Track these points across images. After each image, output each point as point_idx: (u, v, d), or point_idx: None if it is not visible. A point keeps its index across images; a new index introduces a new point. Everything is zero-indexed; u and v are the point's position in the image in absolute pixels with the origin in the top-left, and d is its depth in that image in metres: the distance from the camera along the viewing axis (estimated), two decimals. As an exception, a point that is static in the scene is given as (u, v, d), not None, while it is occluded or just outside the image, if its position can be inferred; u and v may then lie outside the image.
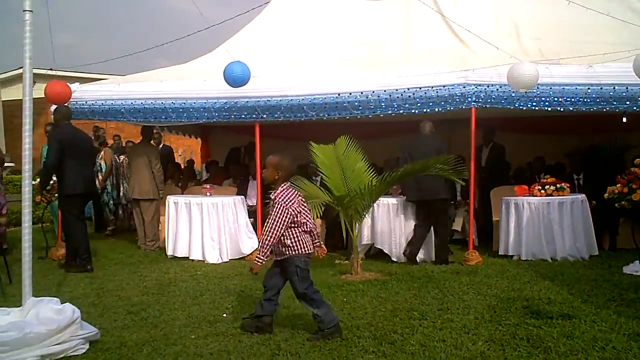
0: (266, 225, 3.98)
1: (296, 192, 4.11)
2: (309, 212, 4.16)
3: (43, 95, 7.01)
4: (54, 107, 7.26)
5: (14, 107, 17.08)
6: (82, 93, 7.73)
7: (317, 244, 4.25)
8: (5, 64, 18.37)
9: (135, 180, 8.37)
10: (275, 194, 3.97)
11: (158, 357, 3.66)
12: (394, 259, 7.02)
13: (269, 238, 3.92)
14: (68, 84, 7.52)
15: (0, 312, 3.85)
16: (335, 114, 7.13)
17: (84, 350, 3.76)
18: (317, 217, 6.18)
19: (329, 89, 7.13)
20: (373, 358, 3.59)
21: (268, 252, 3.97)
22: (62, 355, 3.65)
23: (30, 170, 4.01)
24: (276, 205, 3.92)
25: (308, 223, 4.07)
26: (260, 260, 3.98)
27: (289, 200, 3.94)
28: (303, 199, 4.14)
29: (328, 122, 7.37)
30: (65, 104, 7.20)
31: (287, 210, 3.91)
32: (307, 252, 4.06)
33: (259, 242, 4.81)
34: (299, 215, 3.98)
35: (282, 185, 4.01)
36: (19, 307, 3.96)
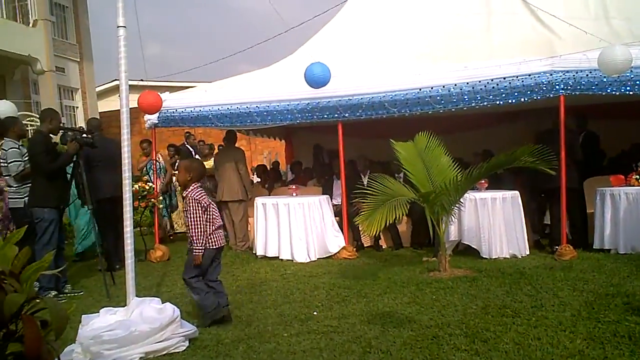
0: (189, 223, 4.46)
1: (204, 191, 4.60)
2: (216, 209, 4.63)
3: (136, 105, 7.41)
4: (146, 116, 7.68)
5: (110, 118, 18.12)
6: (171, 102, 8.08)
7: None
8: (99, 78, 19.47)
9: (223, 183, 8.64)
10: (187, 192, 4.53)
11: (253, 354, 3.77)
12: (483, 255, 6.87)
13: (195, 231, 4.41)
14: (159, 93, 7.88)
15: (107, 311, 4.09)
16: (417, 110, 7.06)
17: (184, 348, 3.94)
18: (403, 215, 6.14)
19: (409, 84, 7.07)
20: (466, 356, 3.55)
21: (200, 243, 4.42)
22: (164, 352, 3.84)
23: (130, 177, 4.25)
24: (189, 202, 4.47)
25: (217, 219, 4.57)
26: (198, 252, 4.42)
27: (198, 196, 4.47)
28: (211, 200, 4.63)
29: (410, 118, 7.31)
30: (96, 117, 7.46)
31: (198, 204, 4.44)
32: (214, 246, 4.50)
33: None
34: (209, 207, 4.49)
35: (193, 185, 4.55)
36: (123, 306, 4.21)
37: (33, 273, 2.16)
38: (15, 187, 6.12)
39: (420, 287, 5.46)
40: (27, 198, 6.05)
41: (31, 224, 5.57)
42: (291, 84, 7.51)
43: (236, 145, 9.15)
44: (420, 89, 6.99)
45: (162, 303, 4.13)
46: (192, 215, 4.42)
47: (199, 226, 4.42)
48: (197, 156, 10.91)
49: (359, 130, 9.25)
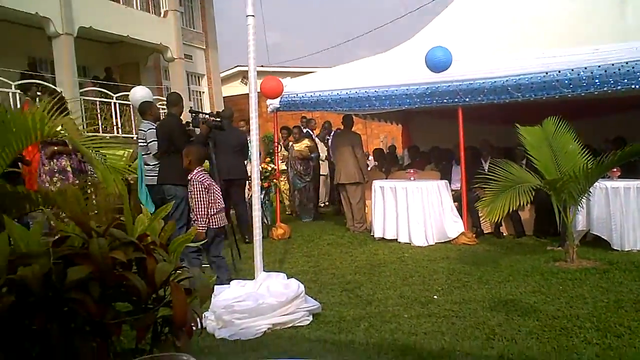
0: (192, 203, 4.99)
1: (207, 175, 5.13)
2: (219, 192, 5.13)
3: (258, 90, 7.69)
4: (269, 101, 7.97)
5: (232, 102, 18.94)
6: (292, 87, 8.29)
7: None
8: (222, 64, 20.38)
9: (341, 166, 8.76)
10: (191, 175, 5.01)
11: (375, 332, 3.83)
12: (614, 247, 6.45)
13: (198, 210, 4.92)
14: (280, 79, 8.12)
15: (236, 283, 4.33)
16: (543, 94, 6.71)
17: (308, 322, 4.08)
18: (527, 202, 5.92)
19: (535, 68, 6.73)
20: (598, 350, 3.38)
21: (203, 222, 4.92)
22: (289, 325, 4.00)
23: (258, 157, 4.45)
24: (192, 184, 4.96)
25: (220, 201, 5.08)
26: (200, 229, 4.85)
27: (202, 178, 4.96)
28: (214, 183, 5.14)
29: (532, 102, 6.97)
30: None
31: (201, 185, 4.92)
32: (216, 225, 5.02)
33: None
34: (210, 188, 4.96)
35: (197, 168, 5.04)
36: (250, 279, 4.42)
37: (179, 245, 2.33)
38: (152, 165, 6.57)
39: (545, 277, 5.25)
40: None
41: (164, 201, 6.01)
42: (410, 69, 7.43)
43: (352, 129, 9.25)
44: (547, 73, 6.63)
45: (288, 278, 4.30)
46: (195, 197, 4.92)
47: (201, 206, 4.92)
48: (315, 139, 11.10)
49: (478, 115, 8.99)
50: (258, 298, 3.98)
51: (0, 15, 12.68)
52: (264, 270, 4.41)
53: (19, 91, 10.84)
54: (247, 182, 8.11)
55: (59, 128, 3.06)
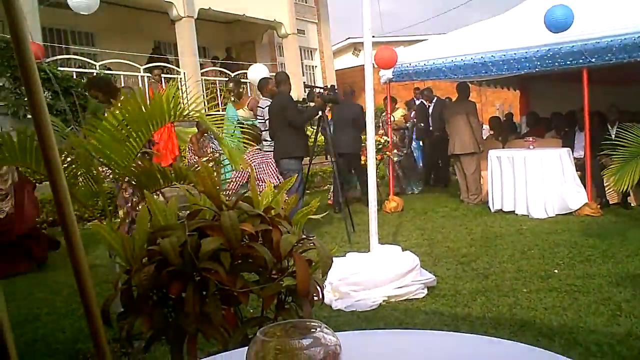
0: None
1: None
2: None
3: (373, 62, 7.69)
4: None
5: (344, 75, 19.05)
6: (405, 56, 8.21)
7: None
8: (333, 37, 20.46)
9: (455, 136, 8.59)
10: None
11: (492, 307, 3.80)
12: None
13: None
14: (394, 48, 8.06)
15: (352, 255, 4.45)
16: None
17: (423, 295, 4.10)
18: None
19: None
20: None
21: None
22: (404, 298, 4.06)
23: (373, 130, 4.50)
24: None
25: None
26: None
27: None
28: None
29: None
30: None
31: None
32: None
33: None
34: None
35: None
36: (365, 252, 4.53)
37: (302, 217, 2.46)
38: (270, 140, 6.85)
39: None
40: None
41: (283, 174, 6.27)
42: (529, 31, 7.10)
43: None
44: (686, 25, 6.08)
45: (403, 251, 4.36)
46: None
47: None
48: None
49: (603, 77, 8.41)
50: (373, 270, 4.07)
51: (128, 3, 13.59)
52: (378, 243, 4.49)
53: (147, 74, 11.60)
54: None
55: (190, 110, 3.29)
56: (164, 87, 9.35)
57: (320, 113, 6.54)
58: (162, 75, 10.92)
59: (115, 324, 2.16)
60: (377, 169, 8.97)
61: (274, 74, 13.77)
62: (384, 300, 4.00)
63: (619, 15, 6.65)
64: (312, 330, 0.97)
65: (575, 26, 6.36)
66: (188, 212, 2.41)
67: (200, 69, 13.84)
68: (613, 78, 8.25)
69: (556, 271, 4.56)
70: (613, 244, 5.33)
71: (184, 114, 3.21)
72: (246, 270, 2.37)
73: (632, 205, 7.38)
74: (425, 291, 4.15)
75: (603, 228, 6.13)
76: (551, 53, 6.98)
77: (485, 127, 12.06)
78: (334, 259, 4.30)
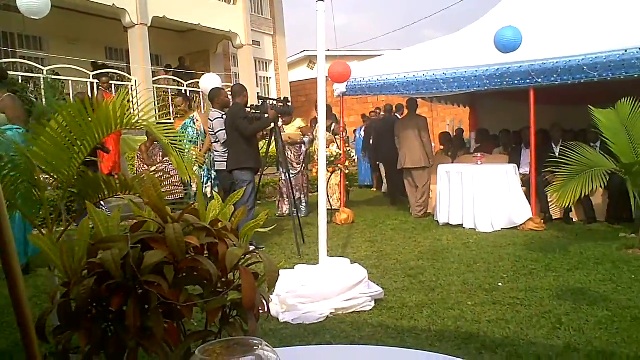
0: None
1: None
2: None
3: (326, 75, 7.74)
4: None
5: (298, 87, 19.11)
6: (359, 71, 8.31)
7: None
8: (288, 50, 20.56)
9: (406, 150, 8.71)
10: None
11: (438, 319, 3.85)
12: (695, 235, 6.16)
13: None
14: (348, 63, 8.15)
15: (300, 268, 4.44)
16: (622, 73, 6.43)
17: (370, 307, 4.13)
18: (600, 187, 5.73)
19: (613, 45, 6.46)
20: (671, 343, 3.28)
21: None
22: (352, 310, 4.08)
23: (324, 142, 4.52)
24: None
25: None
26: None
27: None
28: None
29: (611, 82, 6.68)
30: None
31: None
32: None
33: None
34: None
35: None
36: (314, 264, 4.53)
37: (249, 230, 2.45)
38: (221, 152, 6.80)
39: (616, 265, 5.10)
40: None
41: (233, 186, 6.23)
42: (479, 50, 7.30)
43: (417, 112, 9.19)
44: (626, 50, 6.36)
45: (351, 263, 4.38)
46: None
47: None
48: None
49: (549, 96, 8.71)
50: (321, 283, 4.07)
51: (79, 8, 13.30)
52: (327, 256, 4.50)
53: (96, 80, 11.36)
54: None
55: (137, 118, 3.23)
56: (113, 94, 9.18)
57: (273, 125, 6.53)
58: (112, 82, 10.71)
59: (52, 338, 2.09)
60: (329, 181, 9.07)
61: (229, 84, 13.71)
62: (331, 313, 4.01)
63: (565, 39, 6.91)
64: (253, 348, 0.96)
65: (523, 48, 6.57)
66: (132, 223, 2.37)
67: (153, 77, 13.65)
68: (558, 98, 8.55)
69: (500, 284, 4.66)
70: (555, 258, 5.50)
71: (132, 122, 3.15)
72: (190, 284, 2.34)
73: (573, 220, 7.64)
74: (373, 304, 4.18)
75: (546, 242, 6.32)
76: (500, 72, 7.19)
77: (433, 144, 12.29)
78: (282, 271, 4.31)
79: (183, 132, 6.90)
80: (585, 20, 7.15)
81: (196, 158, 6.51)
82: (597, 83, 6.71)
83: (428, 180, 8.63)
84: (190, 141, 7.17)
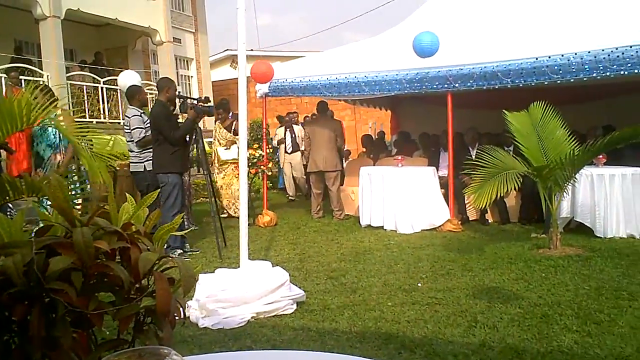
0: None
1: None
2: None
3: (248, 75, 7.62)
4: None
5: (221, 87, 18.84)
6: (282, 71, 8.27)
7: None
8: (211, 48, 20.26)
9: (318, 153, 8.68)
10: None
11: (358, 321, 3.87)
12: (597, 234, 6.53)
13: None
14: (271, 63, 8.09)
15: (221, 271, 4.34)
16: (532, 80, 6.74)
17: (292, 310, 4.10)
18: (513, 189, 5.98)
19: (525, 53, 6.76)
20: (577, 337, 3.44)
21: None
22: (273, 314, 4.03)
23: (246, 144, 4.45)
24: None
25: None
26: None
27: None
28: None
29: (524, 88, 6.99)
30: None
31: None
32: None
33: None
34: None
35: None
36: (235, 268, 4.45)
37: (165, 234, 2.35)
38: (136, 152, 6.57)
39: (528, 264, 5.32)
40: (147, 163, 6.49)
41: (149, 188, 6.02)
42: (400, 54, 7.43)
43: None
44: (537, 58, 6.66)
45: (273, 266, 4.32)
46: None
47: None
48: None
49: (468, 100, 9.02)
50: (242, 287, 4.00)
51: (-14, -2, 12.51)
52: (249, 259, 4.43)
53: (4, 75, 10.71)
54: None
55: (45, 115, 3.04)
56: (23, 90, 8.67)
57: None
58: (23, 77, 10.13)
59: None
60: (252, 183, 8.99)
61: (148, 82, 13.32)
62: (252, 317, 3.95)
63: (481, 46, 7.16)
64: (162, 357, 0.93)
65: (442, 53, 6.75)
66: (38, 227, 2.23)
67: (67, 73, 13.03)
68: (475, 103, 8.86)
69: (420, 284, 4.75)
70: (471, 258, 5.67)
71: (37, 120, 2.96)
72: (101, 291, 2.22)
73: (489, 221, 7.93)
74: (295, 307, 4.15)
75: (463, 243, 6.52)
76: (419, 77, 7.36)
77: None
78: (202, 275, 4.21)
79: (42, 134, 6.42)
80: (500, 29, 7.44)
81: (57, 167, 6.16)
82: (512, 89, 7.00)
83: (341, 183, 8.72)
84: (50, 146, 6.48)
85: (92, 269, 2.08)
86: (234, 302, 3.93)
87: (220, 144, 8.88)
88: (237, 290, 3.98)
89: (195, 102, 6.48)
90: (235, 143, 8.63)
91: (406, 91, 7.68)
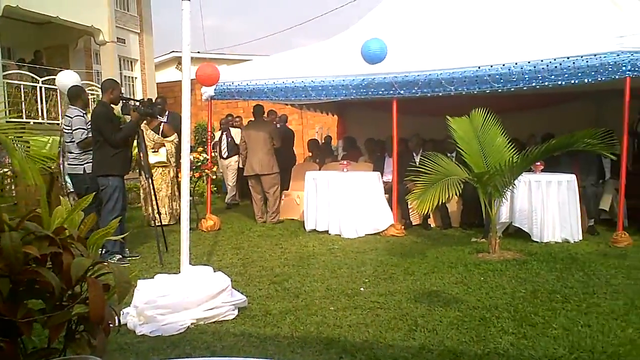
0: None
1: None
2: None
3: (193, 77, 7.50)
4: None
5: (166, 89, 18.50)
6: (228, 74, 8.20)
7: None
8: (157, 50, 19.92)
9: (255, 156, 8.64)
10: None
11: (300, 326, 3.87)
12: (534, 239, 6.76)
13: None
14: (217, 66, 7.99)
15: (161, 277, 4.25)
16: (475, 88, 6.92)
17: (233, 316, 4.06)
18: (455, 195, 6.12)
19: (468, 62, 6.93)
20: (513, 339, 3.54)
21: None
22: (214, 320, 3.97)
23: (188, 147, 4.38)
24: None
25: None
26: None
27: None
28: None
29: (467, 96, 7.15)
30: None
31: None
32: None
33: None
34: None
35: None
36: (176, 273, 4.36)
37: (100, 238, 2.28)
38: (76, 153, 6.37)
39: (468, 268, 5.45)
40: (86, 165, 6.31)
41: (88, 191, 5.84)
42: (347, 59, 7.49)
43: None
44: (479, 67, 6.84)
45: (215, 272, 4.27)
46: None
47: None
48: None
49: (413, 107, 9.16)
50: (182, 292, 3.93)
51: None
52: (190, 264, 4.36)
53: None
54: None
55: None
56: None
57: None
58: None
59: None
60: (196, 187, 8.86)
61: (90, 82, 12.95)
62: (192, 323, 3.88)
63: (427, 54, 7.30)
64: None
65: (388, 60, 6.84)
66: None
67: (3, 72, 12.52)
68: (420, 109, 9.01)
69: (362, 289, 4.79)
70: (414, 262, 5.76)
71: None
72: (30, 298, 2.15)
73: (431, 226, 8.08)
74: (236, 312, 4.10)
75: (406, 247, 6.61)
76: (365, 83, 7.42)
77: None
78: (140, 281, 4.11)
79: None
80: (445, 38, 7.61)
81: None
82: (456, 96, 7.16)
83: (278, 186, 8.72)
84: None
85: (20, 275, 2.01)
86: (173, 308, 3.85)
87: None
88: (176, 296, 3.91)
89: (136, 104, 6.33)
90: (164, 145, 8.34)
91: (352, 97, 7.74)
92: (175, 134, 8.17)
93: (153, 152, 8.16)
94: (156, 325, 3.76)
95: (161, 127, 8.39)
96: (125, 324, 3.77)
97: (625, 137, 6.46)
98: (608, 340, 3.48)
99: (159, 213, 6.52)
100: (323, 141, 12.90)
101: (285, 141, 9.78)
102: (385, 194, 7.82)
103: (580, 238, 6.81)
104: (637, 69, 6.27)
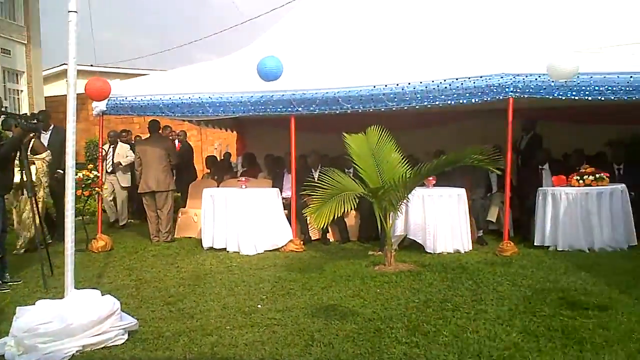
0: None
1: None
2: None
3: (83, 91, 7.15)
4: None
5: (56, 103, 17.57)
6: (121, 89, 7.91)
7: None
8: (47, 61, 18.95)
9: (150, 173, 8.42)
10: None
11: (194, 347, 3.75)
12: (428, 250, 6.99)
13: None
14: (108, 80, 7.67)
15: (43, 303, 3.97)
16: (371, 106, 7.11)
17: (123, 341, 3.86)
18: (352, 209, 6.22)
19: (364, 81, 7.12)
20: (406, 349, 3.61)
21: None
22: (102, 346, 3.76)
23: (74, 165, 4.15)
24: None
25: None
26: None
27: None
28: None
29: (363, 114, 7.32)
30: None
31: None
32: None
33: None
34: None
35: None
36: (61, 298, 4.10)
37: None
38: None
39: (364, 281, 5.53)
40: None
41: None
42: (246, 76, 7.44)
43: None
44: (374, 86, 7.05)
45: (103, 295, 4.04)
46: None
47: None
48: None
49: (311, 124, 9.25)
50: (67, 318, 3.67)
51: None
52: (77, 287, 4.10)
53: None
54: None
55: None
56: None
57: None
58: None
59: None
60: (86, 205, 8.39)
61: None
62: (78, 351, 3.65)
63: (324, 73, 7.45)
64: None
65: (287, 78, 6.86)
66: None
67: None
68: (319, 126, 9.11)
69: (260, 306, 4.73)
70: (312, 277, 5.77)
71: None
72: None
73: (330, 240, 8.17)
74: (126, 336, 3.91)
75: (304, 262, 6.62)
76: (264, 100, 7.44)
77: None
78: (19, 309, 3.82)
79: None
80: (342, 57, 7.81)
81: None
82: (353, 114, 7.31)
83: (172, 204, 8.55)
84: None
85: None
86: (56, 336, 3.60)
87: None
88: (60, 323, 3.65)
89: (20, 119, 5.92)
90: (34, 163, 7.29)
91: (251, 113, 7.72)
92: (48, 151, 7.57)
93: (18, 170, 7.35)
94: (37, 355, 3.50)
95: (32, 143, 7.25)
96: (3, 355, 3.49)
97: (509, 154, 6.87)
98: (494, 345, 3.63)
99: (44, 234, 6.12)
100: (222, 157, 12.73)
101: (185, 157, 9.56)
102: (284, 209, 7.82)
103: (470, 248, 7.14)
104: (518, 90, 6.71)
